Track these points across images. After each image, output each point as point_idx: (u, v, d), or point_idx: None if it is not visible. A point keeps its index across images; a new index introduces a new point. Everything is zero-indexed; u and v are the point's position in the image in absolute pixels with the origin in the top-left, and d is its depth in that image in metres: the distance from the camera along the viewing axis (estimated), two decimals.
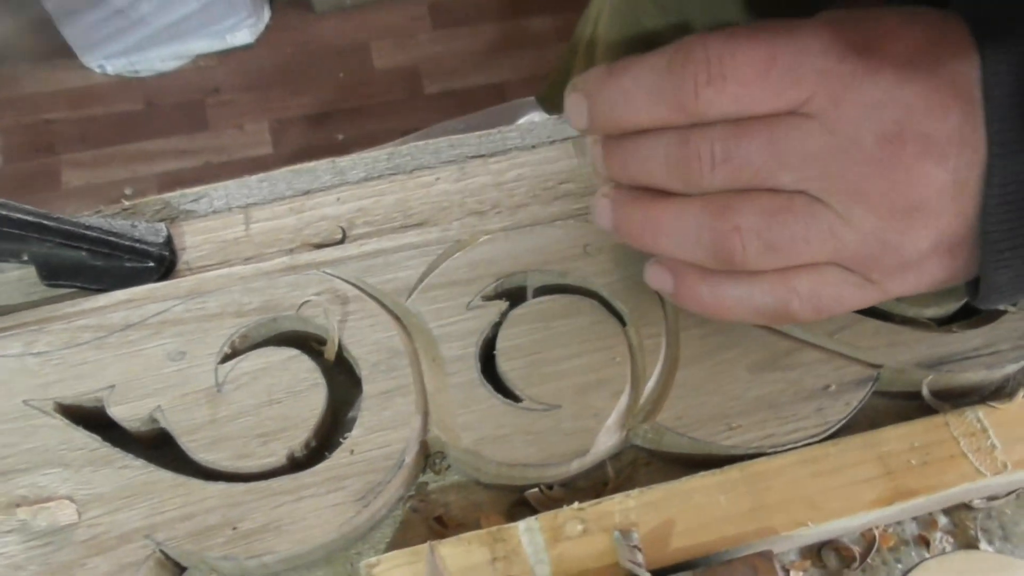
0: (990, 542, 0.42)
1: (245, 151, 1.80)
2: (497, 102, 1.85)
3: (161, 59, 1.87)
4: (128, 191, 1.74)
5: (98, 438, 0.38)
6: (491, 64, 1.89)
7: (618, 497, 0.38)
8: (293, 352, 0.41)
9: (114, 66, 1.85)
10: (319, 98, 1.85)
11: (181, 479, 0.38)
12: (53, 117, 1.83)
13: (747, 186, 0.34)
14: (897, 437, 0.40)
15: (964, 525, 0.42)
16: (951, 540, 0.42)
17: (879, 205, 0.32)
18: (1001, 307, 0.43)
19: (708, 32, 0.33)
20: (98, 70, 1.86)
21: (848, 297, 0.35)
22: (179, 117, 1.83)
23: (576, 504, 0.38)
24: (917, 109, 0.31)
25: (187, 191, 0.49)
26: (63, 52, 1.83)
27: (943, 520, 0.42)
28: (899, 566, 0.41)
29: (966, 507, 0.42)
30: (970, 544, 0.42)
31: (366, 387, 0.40)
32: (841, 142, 0.32)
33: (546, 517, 0.37)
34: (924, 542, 0.42)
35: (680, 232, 0.35)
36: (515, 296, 0.44)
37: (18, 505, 0.37)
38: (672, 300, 0.39)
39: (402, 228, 0.46)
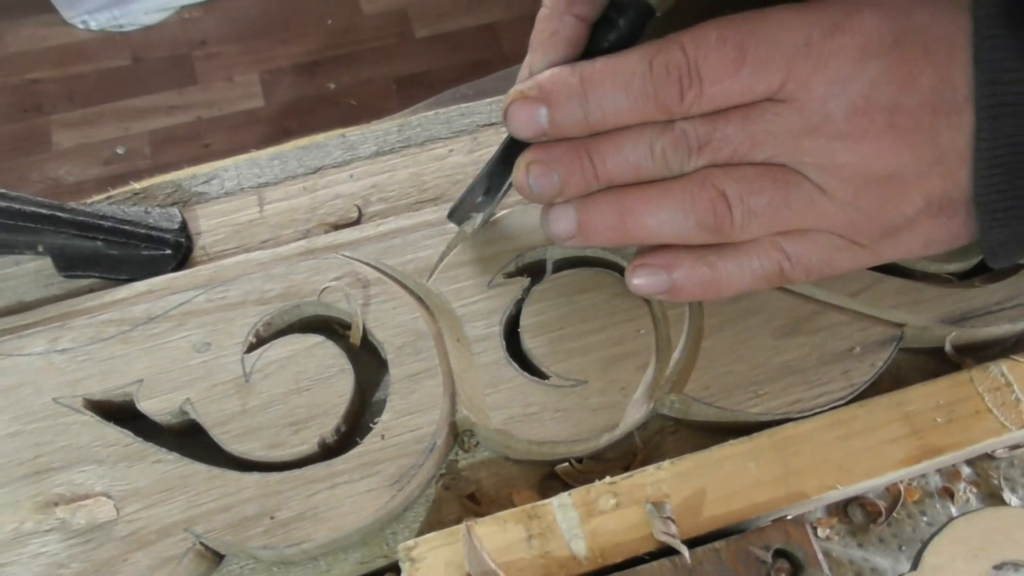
0: (1013, 490, 0.42)
1: (236, 104, 1.78)
2: (490, 43, 1.82)
3: (145, 12, 1.83)
4: (120, 150, 1.73)
5: (130, 433, 0.39)
6: (482, 4, 1.85)
7: (649, 469, 0.38)
8: (318, 339, 0.41)
9: (97, 21, 1.82)
10: (308, 46, 1.82)
11: (216, 471, 0.38)
12: (39, 76, 1.80)
13: (724, 163, 0.35)
14: (922, 396, 0.40)
15: (987, 475, 0.43)
16: (975, 490, 0.43)
17: (852, 177, 0.34)
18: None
19: (682, 33, 0.34)
20: (81, 26, 1.83)
21: (838, 260, 0.37)
22: (167, 72, 1.80)
23: (608, 478, 0.38)
24: (883, 81, 0.32)
25: (197, 172, 0.48)
26: (44, 8, 1.79)
27: (966, 471, 0.43)
28: (924, 519, 0.42)
29: (989, 457, 0.43)
30: (993, 493, 0.42)
31: (393, 371, 0.40)
32: (811, 120, 0.33)
33: (579, 493, 0.38)
34: (948, 494, 0.42)
35: (667, 211, 0.36)
36: (535, 271, 0.43)
37: (56, 504, 0.37)
38: (669, 297, 0.38)
39: (417, 204, 0.45)
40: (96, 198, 0.48)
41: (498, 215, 0.43)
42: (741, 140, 0.34)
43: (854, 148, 0.33)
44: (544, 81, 0.35)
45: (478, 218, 0.42)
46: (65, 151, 1.73)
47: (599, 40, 0.36)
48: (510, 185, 0.40)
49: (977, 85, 0.32)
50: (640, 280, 0.38)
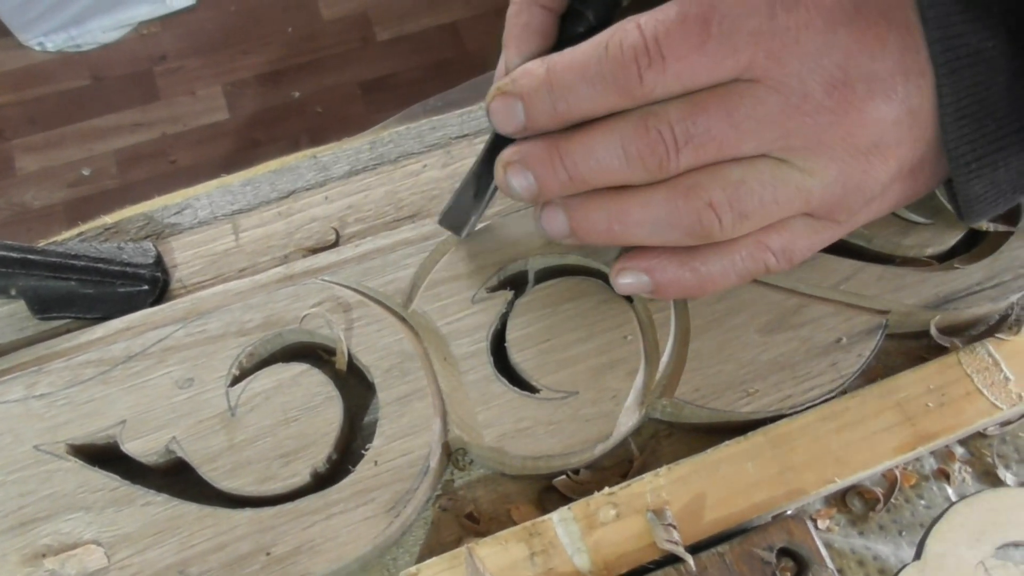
0: (1007, 467, 0.42)
1: (200, 118, 1.76)
2: (452, 42, 1.81)
3: (102, 30, 1.81)
4: (86, 171, 1.70)
5: (117, 477, 0.38)
6: (442, 3, 1.84)
7: (647, 477, 0.38)
8: (303, 367, 0.40)
9: (54, 42, 1.79)
10: (269, 56, 1.81)
11: (207, 510, 0.37)
12: None
13: (711, 161, 0.34)
14: (913, 382, 0.41)
15: (980, 453, 0.43)
16: (970, 470, 0.43)
17: (840, 151, 0.33)
18: (989, 220, 0.43)
19: (639, 15, 0.33)
20: (37, 47, 1.80)
21: (817, 241, 0.37)
22: (128, 89, 1.78)
23: (607, 489, 0.38)
24: (855, 50, 0.32)
25: (168, 202, 0.47)
26: None
27: (960, 451, 0.43)
28: (922, 502, 0.42)
29: (981, 435, 0.43)
30: (988, 471, 0.42)
31: (381, 395, 0.39)
32: (791, 99, 0.32)
33: (578, 506, 0.37)
34: (944, 475, 0.42)
35: (652, 219, 0.35)
36: (518, 283, 0.43)
37: (44, 555, 0.37)
38: (653, 296, 0.39)
39: (395, 222, 0.45)
40: (66, 235, 0.47)
41: (479, 227, 0.43)
42: (726, 132, 0.33)
43: (838, 123, 0.33)
44: (518, 74, 0.35)
45: (472, 220, 0.42)
46: (29, 175, 1.71)
47: (569, 32, 0.36)
48: (492, 189, 0.40)
49: (930, 43, 0.32)
50: (624, 281, 0.38)
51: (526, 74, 0.35)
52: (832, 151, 0.33)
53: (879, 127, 0.33)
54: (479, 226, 0.43)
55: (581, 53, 0.34)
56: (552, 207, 0.38)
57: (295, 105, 1.76)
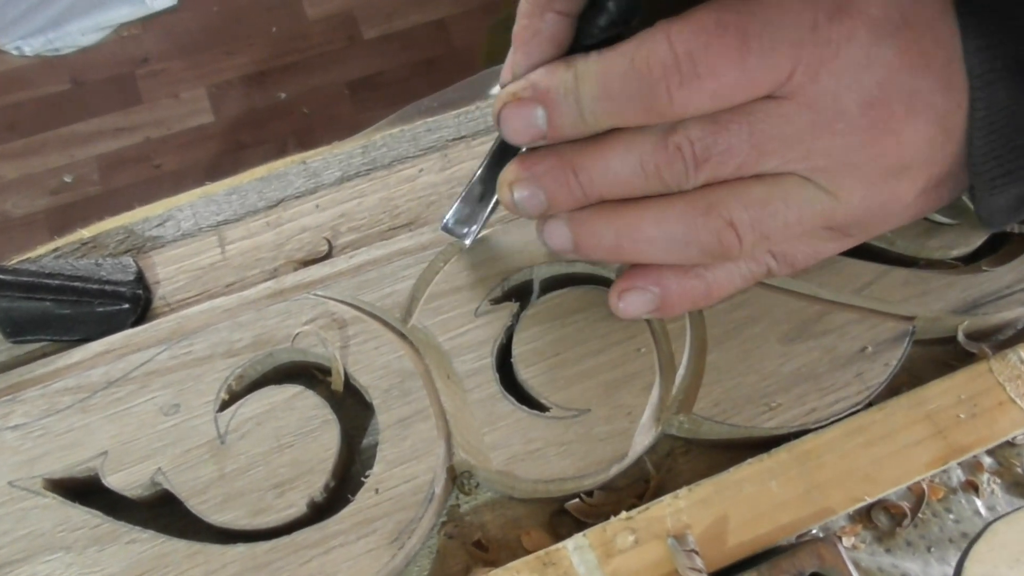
0: None
1: (185, 121, 1.73)
2: (440, 39, 1.78)
3: (82, 32, 1.77)
4: (68, 178, 1.67)
5: (98, 513, 0.35)
6: (429, 0, 1.81)
7: (666, 499, 0.36)
8: (296, 389, 0.37)
9: (32, 46, 1.75)
10: (254, 57, 1.77)
11: (197, 546, 0.35)
12: None
13: (730, 178, 0.32)
14: (942, 392, 0.38)
15: (1009, 463, 0.41)
16: (999, 481, 0.41)
17: (869, 173, 0.31)
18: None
19: (670, 22, 0.30)
20: (15, 52, 1.76)
21: (823, 251, 0.35)
22: (110, 93, 1.75)
23: (624, 513, 0.35)
24: (898, 66, 0.30)
25: (149, 214, 0.44)
26: None
27: (988, 461, 0.41)
28: (951, 516, 0.40)
29: (1009, 444, 0.41)
30: (1018, 482, 0.41)
31: (381, 417, 0.37)
32: (823, 117, 0.30)
33: (594, 532, 0.35)
34: (972, 487, 0.40)
35: (666, 236, 0.33)
36: (523, 294, 0.41)
37: None
38: (659, 315, 0.36)
39: (391, 231, 0.42)
40: (41, 251, 0.44)
41: (481, 235, 0.40)
42: (747, 152, 0.30)
43: (871, 143, 0.30)
44: (538, 79, 0.32)
45: (475, 228, 0.39)
46: (10, 183, 1.67)
47: (589, 28, 0.32)
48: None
49: (967, 54, 0.30)
50: (626, 304, 0.35)
51: (551, 78, 0.32)
52: (860, 172, 0.31)
53: (913, 148, 0.31)
54: (483, 233, 0.40)
55: (607, 63, 0.31)
56: (556, 220, 0.35)
57: (281, 106, 1.72)
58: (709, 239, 0.32)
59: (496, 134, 0.35)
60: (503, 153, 0.37)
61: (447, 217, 0.39)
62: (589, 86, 0.31)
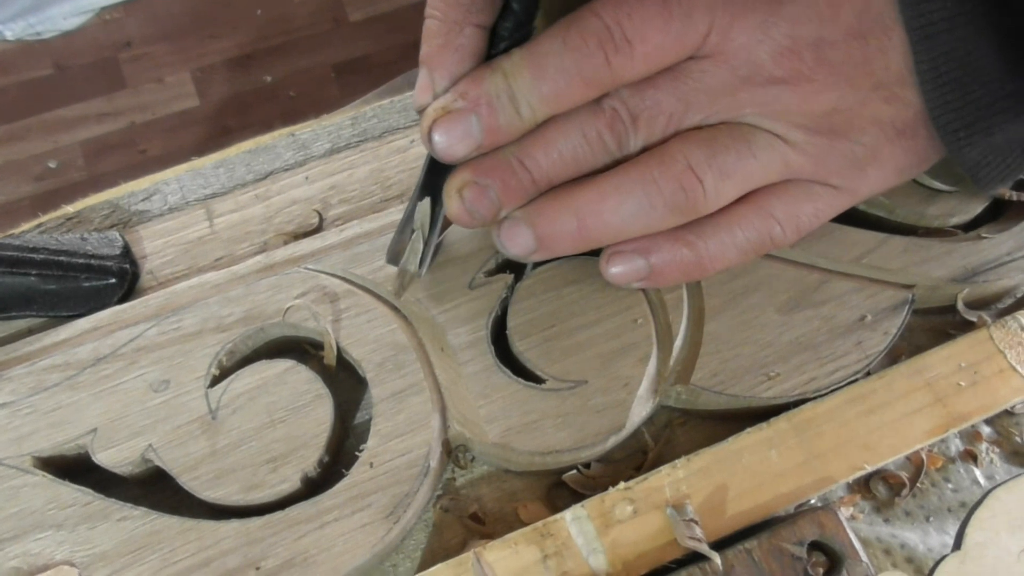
0: None
1: (170, 106, 1.71)
2: None
3: (63, 16, 1.74)
4: (52, 164, 1.65)
5: (89, 490, 0.35)
6: None
7: (664, 469, 0.35)
8: (288, 363, 0.37)
9: (13, 31, 1.73)
10: (239, 39, 1.75)
11: (189, 522, 0.34)
12: None
13: (665, 135, 0.33)
14: (942, 360, 0.38)
15: (1008, 432, 0.41)
16: (997, 450, 0.41)
17: (798, 118, 0.32)
18: (1012, 188, 0.41)
19: (590, 2, 0.31)
20: None
21: (822, 208, 0.35)
22: (93, 78, 1.72)
23: (622, 484, 0.35)
24: (804, 18, 0.31)
25: (135, 188, 0.43)
26: None
27: (986, 430, 0.41)
28: (949, 486, 0.40)
29: (1008, 413, 0.41)
30: (1016, 451, 0.40)
31: (374, 391, 0.36)
32: (741, 71, 0.31)
33: (592, 503, 0.35)
34: (971, 456, 0.40)
35: (631, 202, 0.33)
36: (518, 266, 0.40)
37: None
38: (650, 284, 0.35)
39: (382, 203, 0.42)
40: (26, 226, 0.43)
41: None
42: (674, 104, 0.32)
43: (790, 90, 0.32)
44: (466, 88, 0.32)
45: (419, 258, 0.36)
46: None
47: (498, 35, 0.32)
48: (442, 216, 0.36)
49: (902, 6, 0.31)
50: (616, 269, 0.35)
51: (478, 84, 0.32)
52: (790, 117, 0.32)
53: (833, 91, 0.32)
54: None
55: (537, 50, 0.31)
56: (511, 222, 0.34)
57: (267, 90, 1.71)
58: (671, 189, 0.32)
59: (427, 157, 0.34)
60: (432, 177, 0.35)
61: (389, 248, 0.38)
62: (522, 79, 0.31)
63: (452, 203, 0.34)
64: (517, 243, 0.34)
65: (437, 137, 0.32)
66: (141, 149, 1.67)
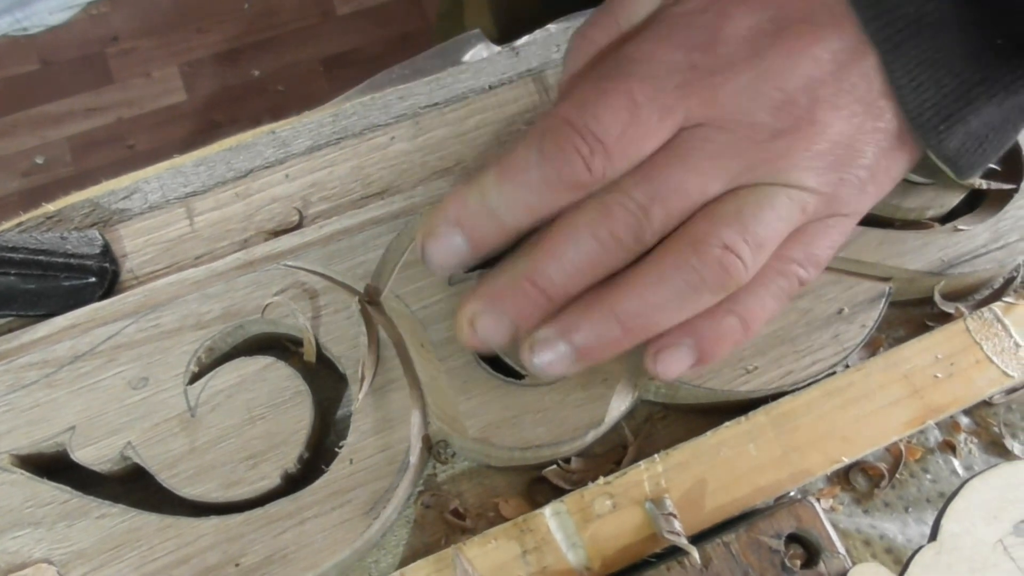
0: (1014, 436, 0.41)
1: (157, 100, 1.70)
2: (415, 14, 1.76)
3: (49, 11, 1.74)
4: (39, 159, 1.65)
5: (67, 488, 0.35)
6: None
7: (643, 464, 0.35)
8: (267, 360, 0.37)
9: None
10: (226, 33, 1.75)
11: (169, 519, 0.34)
12: None
13: (682, 214, 0.32)
14: (919, 352, 0.38)
15: (986, 423, 0.41)
16: (976, 441, 0.41)
17: (808, 162, 0.32)
18: (988, 179, 0.42)
19: (558, 105, 0.32)
20: None
21: (836, 238, 0.35)
22: (80, 73, 1.72)
23: (601, 479, 0.35)
24: (786, 67, 0.32)
25: (116, 187, 0.43)
26: None
27: (965, 421, 0.41)
28: (928, 476, 0.40)
29: (986, 404, 0.41)
30: (995, 441, 0.41)
31: (354, 387, 0.36)
32: (740, 132, 0.32)
33: (572, 498, 0.35)
34: (950, 447, 0.40)
35: (672, 294, 0.32)
36: (497, 261, 0.40)
37: None
38: (702, 364, 0.34)
39: (363, 200, 0.42)
40: (6, 225, 0.43)
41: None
42: (685, 178, 0.31)
43: (796, 139, 0.32)
44: (447, 206, 0.32)
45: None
46: None
47: None
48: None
49: (865, 23, 0.31)
50: (663, 366, 0.33)
51: (456, 202, 0.32)
52: (801, 164, 0.32)
53: (832, 127, 0.32)
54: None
55: (514, 163, 0.31)
56: (543, 344, 0.32)
57: (255, 84, 1.70)
58: (712, 273, 0.31)
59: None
60: None
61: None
62: (502, 193, 0.31)
63: (463, 332, 0.33)
64: (556, 364, 0.32)
65: (428, 254, 0.33)
66: (129, 144, 1.66)
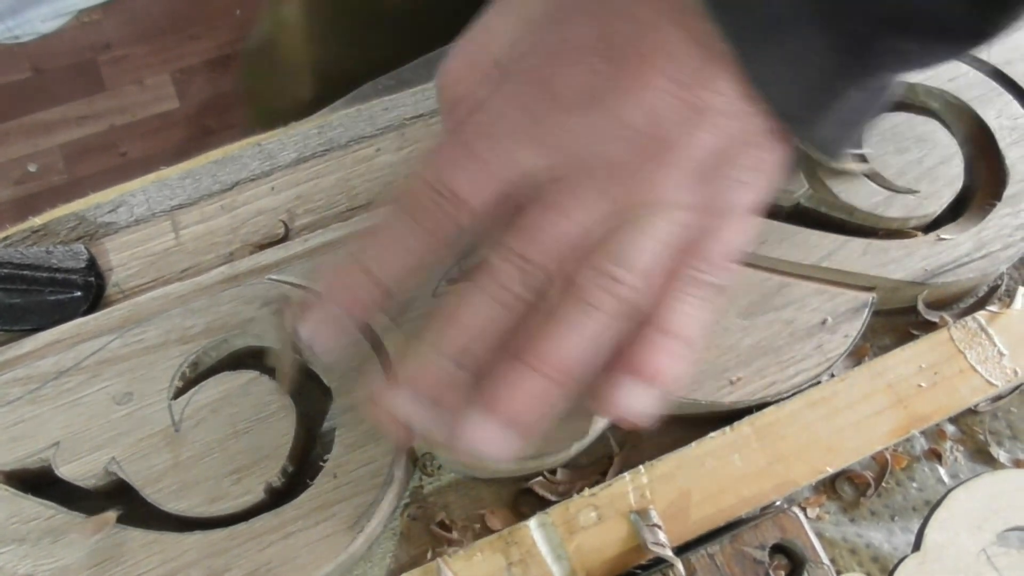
0: (999, 444, 0.41)
1: (150, 108, 1.70)
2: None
3: (41, 19, 1.73)
4: (32, 167, 1.64)
5: (52, 504, 0.35)
6: None
7: (628, 475, 0.36)
8: (252, 374, 0.37)
9: None
10: (219, 40, 1.75)
11: (153, 535, 0.34)
12: None
13: (562, 255, 0.31)
14: (903, 361, 0.39)
15: (972, 431, 0.41)
16: (961, 449, 0.41)
17: (678, 183, 0.32)
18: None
19: (413, 170, 0.32)
20: None
21: (731, 237, 0.33)
22: (72, 80, 1.72)
23: (587, 491, 0.35)
24: (627, 107, 0.31)
25: (101, 200, 0.43)
26: None
27: (951, 429, 0.41)
28: (914, 485, 0.40)
29: (972, 412, 0.41)
30: (980, 449, 0.41)
31: (338, 400, 0.37)
32: (600, 173, 0.31)
33: (557, 510, 0.35)
34: (935, 455, 0.41)
35: (585, 334, 0.31)
36: None
37: None
38: (660, 388, 0.32)
39: (348, 212, 0.42)
40: None
41: None
42: (554, 221, 0.31)
43: (657, 164, 0.31)
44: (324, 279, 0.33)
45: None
46: None
47: None
48: None
49: (723, 31, 0.30)
50: (618, 405, 0.32)
51: (331, 275, 0.33)
52: (670, 187, 0.32)
53: (697, 144, 0.31)
54: None
55: (378, 226, 0.32)
56: (471, 424, 0.30)
57: None
58: (610, 306, 0.31)
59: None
60: None
61: None
62: (372, 248, 0.32)
63: (388, 431, 0.32)
64: (494, 444, 0.31)
65: (304, 334, 0.32)
66: (121, 152, 1.66)
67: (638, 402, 0.31)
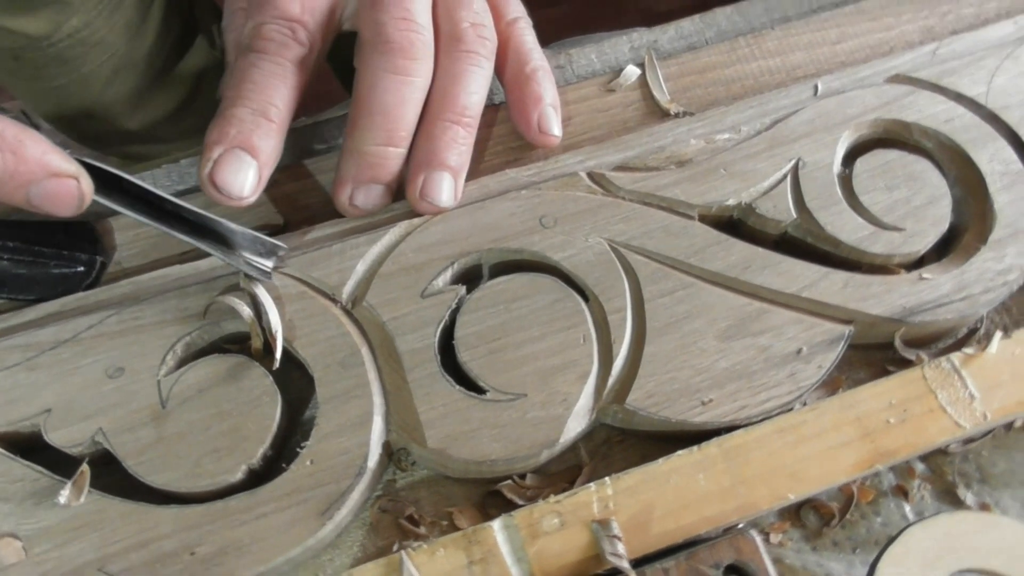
0: (968, 486, 0.41)
1: None
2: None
3: None
4: None
5: (39, 468, 0.36)
6: None
7: (594, 486, 0.37)
8: (240, 358, 0.38)
9: None
10: None
11: (131, 505, 0.36)
12: None
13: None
14: (873, 396, 0.39)
15: (941, 471, 0.41)
16: (929, 487, 0.41)
17: None
18: None
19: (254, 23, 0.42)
20: None
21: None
22: None
23: (552, 498, 0.36)
24: None
25: None
26: None
27: (920, 467, 0.42)
28: (878, 519, 0.41)
29: (942, 452, 0.42)
30: (948, 490, 0.41)
31: (320, 390, 0.38)
32: None
33: (522, 514, 0.36)
34: (902, 492, 0.41)
35: (483, 75, 0.43)
36: (471, 278, 0.41)
37: None
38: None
39: None
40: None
41: (431, 219, 0.41)
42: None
43: None
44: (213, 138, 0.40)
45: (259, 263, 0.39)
46: None
47: None
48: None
49: None
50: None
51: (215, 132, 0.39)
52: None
53: None
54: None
55: (247, 69, 0.41)
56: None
57: None
58: (489, 48, 0.43)
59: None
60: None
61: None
62: (247, 95, 0.40)
63: (343, 206, 0.42)
64: (448, 194, 0.42)
65: (217, 180, 0.39)
66: None
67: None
